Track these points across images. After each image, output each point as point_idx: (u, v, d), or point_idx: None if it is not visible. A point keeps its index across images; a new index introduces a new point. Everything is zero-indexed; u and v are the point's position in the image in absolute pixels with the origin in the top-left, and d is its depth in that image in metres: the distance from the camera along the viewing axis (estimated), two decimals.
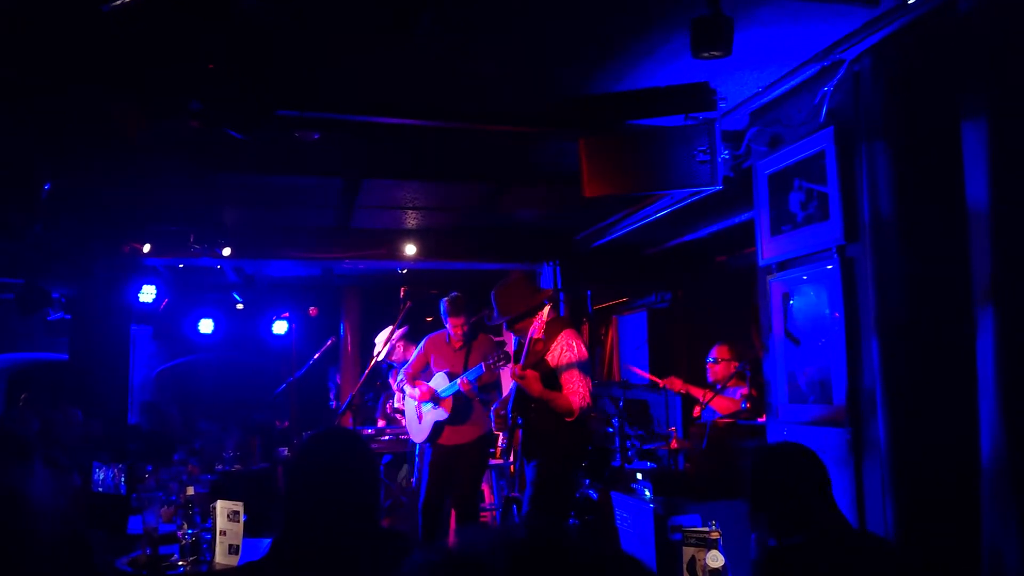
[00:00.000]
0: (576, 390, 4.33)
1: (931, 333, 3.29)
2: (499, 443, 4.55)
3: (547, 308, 4.37)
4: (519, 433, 4.40)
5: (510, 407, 4.45)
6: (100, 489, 4.51)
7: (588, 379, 4.42)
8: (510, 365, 4.56)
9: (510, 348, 5.51)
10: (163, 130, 4.55)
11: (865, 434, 3.62)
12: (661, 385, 6.03)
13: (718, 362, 5.87)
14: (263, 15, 3.18)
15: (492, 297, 4.64)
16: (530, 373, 4.29)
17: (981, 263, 2.91)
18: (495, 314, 4.63)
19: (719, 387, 5.68)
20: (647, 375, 6.45)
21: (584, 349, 4.49)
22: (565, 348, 4.41)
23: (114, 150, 5.18)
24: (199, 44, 3.27)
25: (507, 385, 4.78)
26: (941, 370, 3.24)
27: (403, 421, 6.31)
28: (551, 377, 4.38)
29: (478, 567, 0.62)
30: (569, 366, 4.37)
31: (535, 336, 4.30)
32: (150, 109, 4.13)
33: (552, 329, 4.42)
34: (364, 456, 2.23)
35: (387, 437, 7.15)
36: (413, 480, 6.41)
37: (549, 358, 4.40)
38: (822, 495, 2.37)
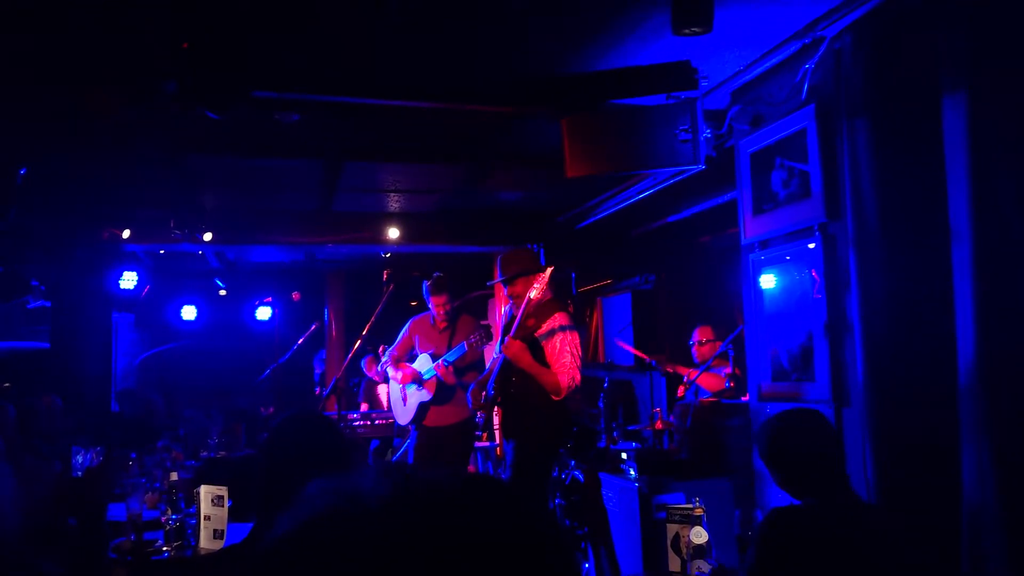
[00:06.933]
0: (565, 369, 4.31)
1: (912, 311, 3.31)
2: (477, 418, 4.58)
3: (549, 271, 4.38)
4: (500, 413, 4.40)
5: (491, 384, 4.42)
6: (80, 474, 4.47)
7: (578, 357, 4.40)
8: (493, 343, 4.55)
9: (496, 331, 5.50)
10: (141, 113, 4.49)
11: (847, 410, 3.64)
12: (647, 360, 6.06)
13: (703, 344, 5.96)
14: None
15: (498, 260, 4.74)
16: (518, 343, 4.28)
17: (958, 202, 2.94)
18: (498, 274, 4.68)
19: (702, 367, 5.73)
20: (633, 350, 6.47)
21: (576, 331, 4.50)
22: (558, 329, 4.39)
23: (91, 134, 5.11)
24: (174, 23, 3.22)
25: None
26: (922, 344, 3.27)
27: (384, 404, 6.29)
28: (540, 355, 4.37)
29: (355, 495, 0.61)
30: (561, 344, 4.37)
31: (532, 297, 4.29)
32: (126, 91, 4.06)
33: (546, 309, 4.41)
34: (334, 435, 2.27)
35: (374, 421, 7.14)
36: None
37: (539, 336, 4.39)
38: (835, 462, 2.48)
